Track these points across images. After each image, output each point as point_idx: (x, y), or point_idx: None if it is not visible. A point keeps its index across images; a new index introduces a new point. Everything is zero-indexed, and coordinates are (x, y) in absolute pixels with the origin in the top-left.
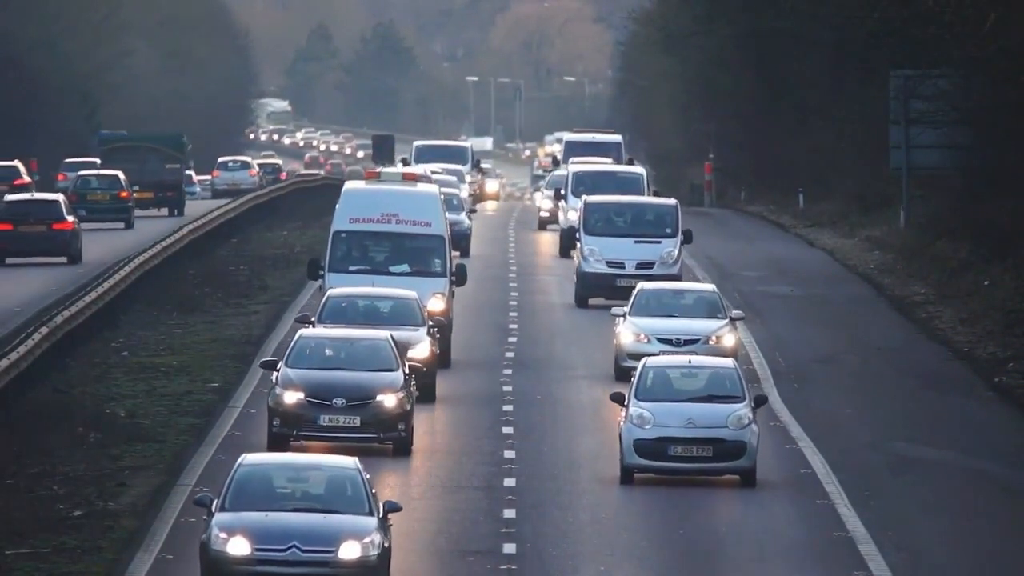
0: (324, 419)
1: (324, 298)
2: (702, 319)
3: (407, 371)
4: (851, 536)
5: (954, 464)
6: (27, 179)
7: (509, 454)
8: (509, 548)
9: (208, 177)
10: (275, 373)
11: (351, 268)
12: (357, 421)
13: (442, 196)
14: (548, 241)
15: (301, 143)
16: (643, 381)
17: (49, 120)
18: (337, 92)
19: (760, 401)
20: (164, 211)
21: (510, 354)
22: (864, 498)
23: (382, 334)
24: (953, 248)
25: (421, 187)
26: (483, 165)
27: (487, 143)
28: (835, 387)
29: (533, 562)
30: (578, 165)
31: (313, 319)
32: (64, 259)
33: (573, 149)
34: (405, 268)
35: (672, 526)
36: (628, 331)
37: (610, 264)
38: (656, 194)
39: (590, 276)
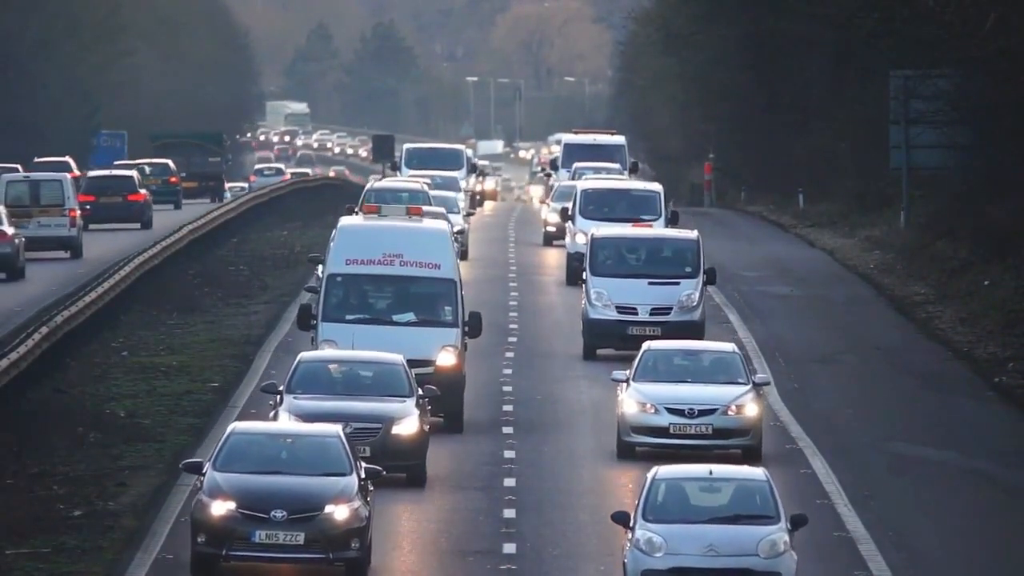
0: (260, 535)
1: (294, 363)
2: (720, 384)
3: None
4: (851, 536)
5: (954, 464)
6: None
7: (509, 454)
8: (509, 548)
9: (244, 184)
10: (199, 477)
11: (348, 317)
12: (300, 538)
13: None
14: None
15: (315, 144)
16: (653, 497)
17: (49, 120)
18: (337, 92)
19: (799, 522)
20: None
21: (510, 354)
22: (864, 498)
23: (332, 429)
24: (953, 248)
25: (429, 223)
26: (480, 163)
27: (497, 146)
28: (835, 387)
29: (533, 562)
30: (587, 182)
31: (281, 388)
32: (138, 225)
33: (572, 152)
34: (410, 317)
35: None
36: (632, 400)
37: (621, 310)
38: (675, 215)
39: (598, 324)
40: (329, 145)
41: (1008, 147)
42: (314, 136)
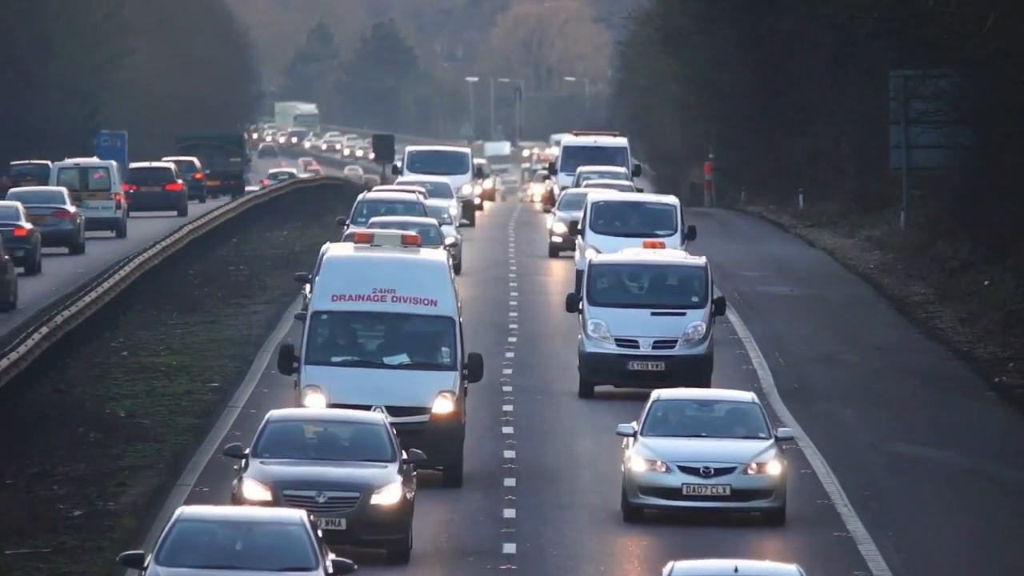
0: None
1: (263, 422)
2: (739, 439)
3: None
4: (851, 536)
5: (954, 464)
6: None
7: (509, 454)
8: (509, 548)
9: (256, 188)
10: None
11: (334, 359)
12: None
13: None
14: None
15: (324, 146)
16: None
17: (49, 120)
18: (337, 92)
19: None
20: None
21: (510, 354)
22: (864, 498)
23: (295, 516)
24: (953, 248)
25: (425, 254)
26: (478, 162)
27: (504, 148)
28: (835, 387)
29: (533, 562)
30: (598, 193)
31: (247, 451)
32: (175, 213)
33: (572, 155)
34: (404, 359)
35: (672, 526)
36: (640, 456)
37: (620, 342)
38: (692, 230)
39: (595, 358)
40: (338, 147)
41: (1008, 147)
42: (324, 137)
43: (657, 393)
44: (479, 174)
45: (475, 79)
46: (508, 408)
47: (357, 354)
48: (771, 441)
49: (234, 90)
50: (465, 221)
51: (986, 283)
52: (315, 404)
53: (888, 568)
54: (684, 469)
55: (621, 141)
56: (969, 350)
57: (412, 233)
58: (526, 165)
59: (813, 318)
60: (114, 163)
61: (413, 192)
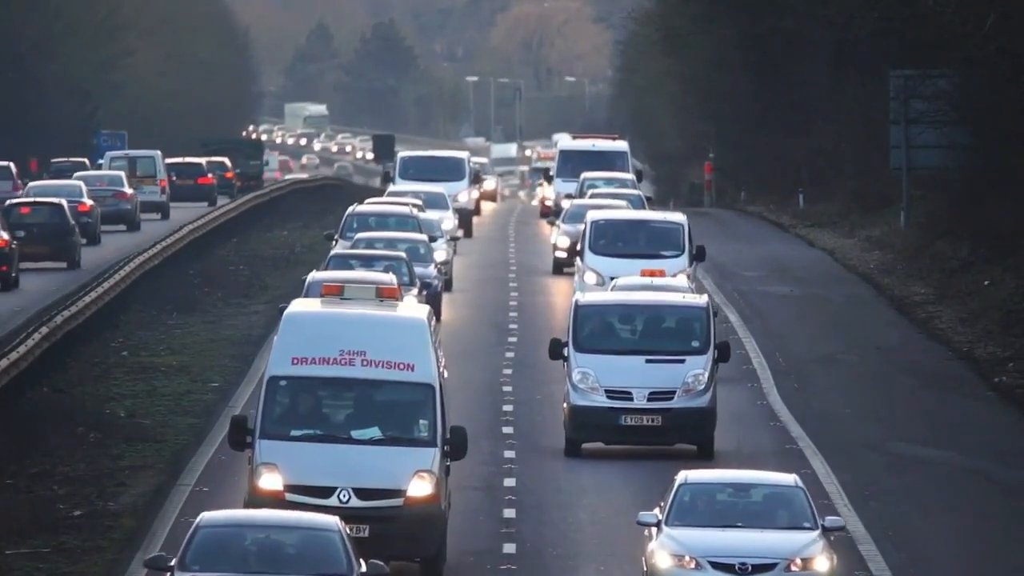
0: None
1: (193, 527)
2: (780, 530)
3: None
4: (851, 536)
5: (954, 464)
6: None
7: (509, 454)
8: (509, 548)
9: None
10: None
11: (294, 433)
12: None
13: (430, 326)
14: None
15: (334, 148)
16: None
17: (49, 120)
18: (337, 92)
19: None
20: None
21: (510, 354)
22: (864, 498)
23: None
24: (953, 248)
25: (404, 310)
26: (476, 162)
27: (510, 150)
28: (835, 387)
29: (533, 562)
30: (598, 212)
31: (172, 563)
32: (206, 203)
33: (570, 160)
34: (375, 432)
35: None
36: (665, 551)
37: (611, 394)
38: (700, 250)
39: (583, 412)
40: (348, 149)
41: (1008, 147)
42: (336, 139)
43: (684, 475)
44: (476, 180)
45: (475, 79)
46: (508, 408)
47: (321, 427)
48: (818, 532)
49: (234, 90)
50: (458, 235)
51: (986, 283)
52: (271, 486)
53: (888, 568)
54: (717, 566)
55: (621, 145)
56: (969, 350)
57: (389, 285)
58: (524, 168)
59: (813, 318)
60: (159, 152)
61: (407, 204)
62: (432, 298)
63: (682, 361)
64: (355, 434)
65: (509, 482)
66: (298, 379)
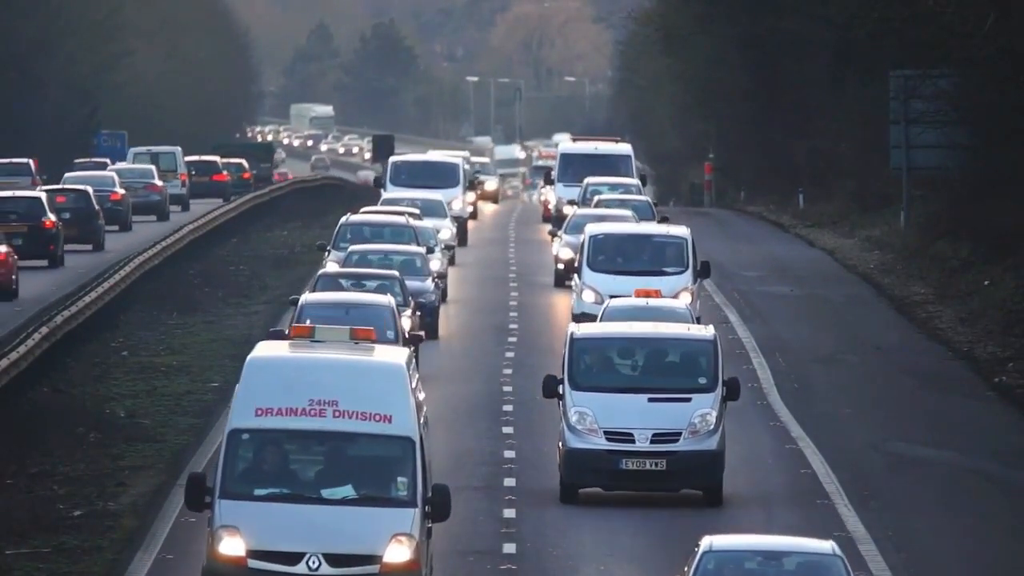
0: None
1: None
2: None
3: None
4: (851, 536)
5: (954, 464)
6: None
7: (509, 454)
8: (509, 548)
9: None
10: None
11: (258, 492)
12: None
13: (410, 370)
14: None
15: (341, 150)
16: None
17: (50, 120)
18: (337, 92)
19: None
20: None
21: (510, 354)
22: (864, 498)
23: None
24: (953, 248)
25: (380, 354)
26: (473, 162)
27: (514, 151)
28: (835, 387)
29: (533, 562)
30: (597, 226)
31: None
32: (220, 200)
33: (571, 164)
34: (348, 492)
35: (672, 526)
36: None
37: (611, 436)
38: (705, 266)
39: (580, 456)
40: (356, 151)
41: (1008, 147)
42: (343, 140)
43: (708, 541)
44: (471, 185)
45: (475, 79)
46: (508, 408)
47: (287, 485)
48: None
49: (234, 90)
50: (453, 244)
51: (986, 283)
52: (232, 551)
53: (888, 568)
54: None
55: (625, 148)
56: (969, 350)
57: (365, 327)
58: (522, 170)
59: (813, 318)
60: (179, 148)
61: (403, 215)
62: (429, 313)
63: (688, 400)
64: (326, 493)
65: (509, 482)
66: (262, 432)
